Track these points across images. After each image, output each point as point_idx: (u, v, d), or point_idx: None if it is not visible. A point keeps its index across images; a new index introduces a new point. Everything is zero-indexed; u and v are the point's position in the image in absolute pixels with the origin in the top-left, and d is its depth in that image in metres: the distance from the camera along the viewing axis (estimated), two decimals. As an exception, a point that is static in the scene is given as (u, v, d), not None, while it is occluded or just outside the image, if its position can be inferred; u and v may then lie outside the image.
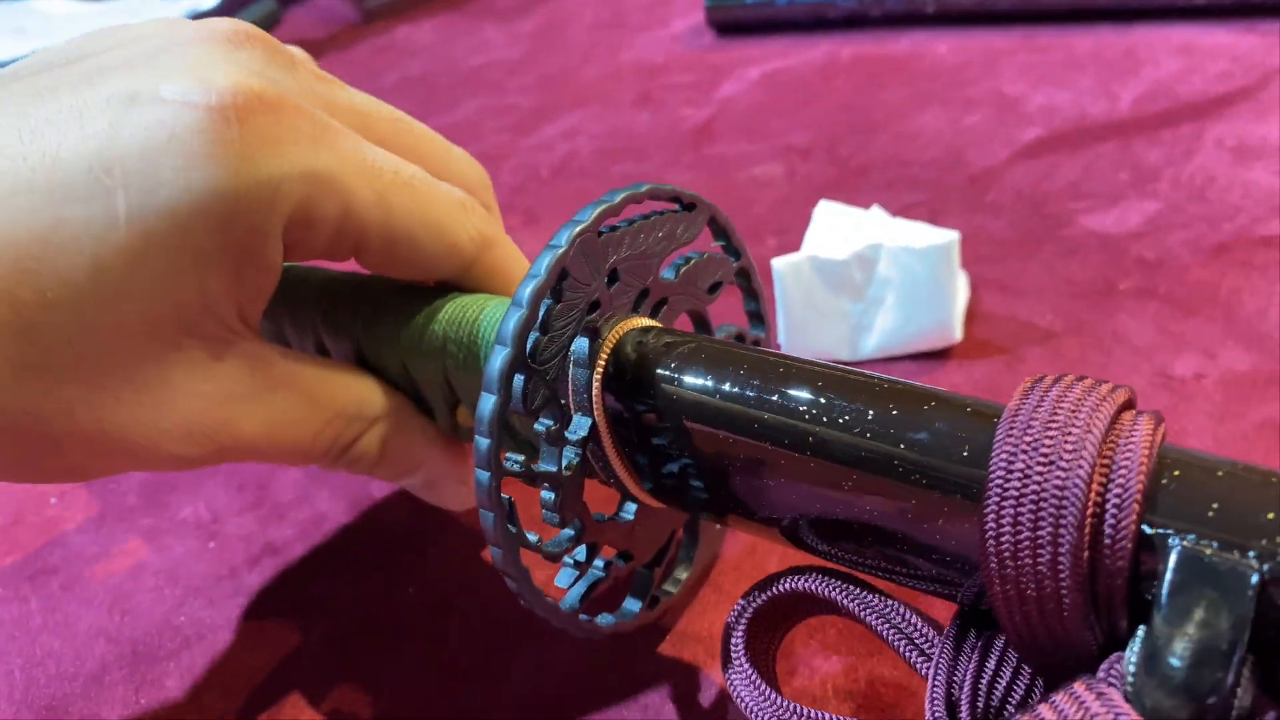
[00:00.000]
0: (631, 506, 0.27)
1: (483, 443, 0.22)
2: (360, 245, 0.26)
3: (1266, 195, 0.44)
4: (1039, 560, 0.16)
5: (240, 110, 0.23)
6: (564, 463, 0.24)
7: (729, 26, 0.67)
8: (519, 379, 0.23)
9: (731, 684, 0.23)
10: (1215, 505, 0.16)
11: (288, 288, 0.30)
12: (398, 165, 0.26)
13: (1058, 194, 0.47)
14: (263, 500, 0.38)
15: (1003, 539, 0.17)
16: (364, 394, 0.28)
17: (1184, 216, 0.43)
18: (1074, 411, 0.17)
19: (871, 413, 0.20)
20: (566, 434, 0.24)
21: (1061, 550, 0.16)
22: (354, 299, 0.29)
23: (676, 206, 0.27)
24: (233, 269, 0.23)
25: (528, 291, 0.22)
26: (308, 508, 0.37)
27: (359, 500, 0.37)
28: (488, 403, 0.22)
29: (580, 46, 0.71)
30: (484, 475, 0.22)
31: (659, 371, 0.24)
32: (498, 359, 0.22)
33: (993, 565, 0.17)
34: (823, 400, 0.21)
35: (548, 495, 0.23)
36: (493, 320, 0.26)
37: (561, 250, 0.23)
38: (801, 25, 0.65)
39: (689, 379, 0.23)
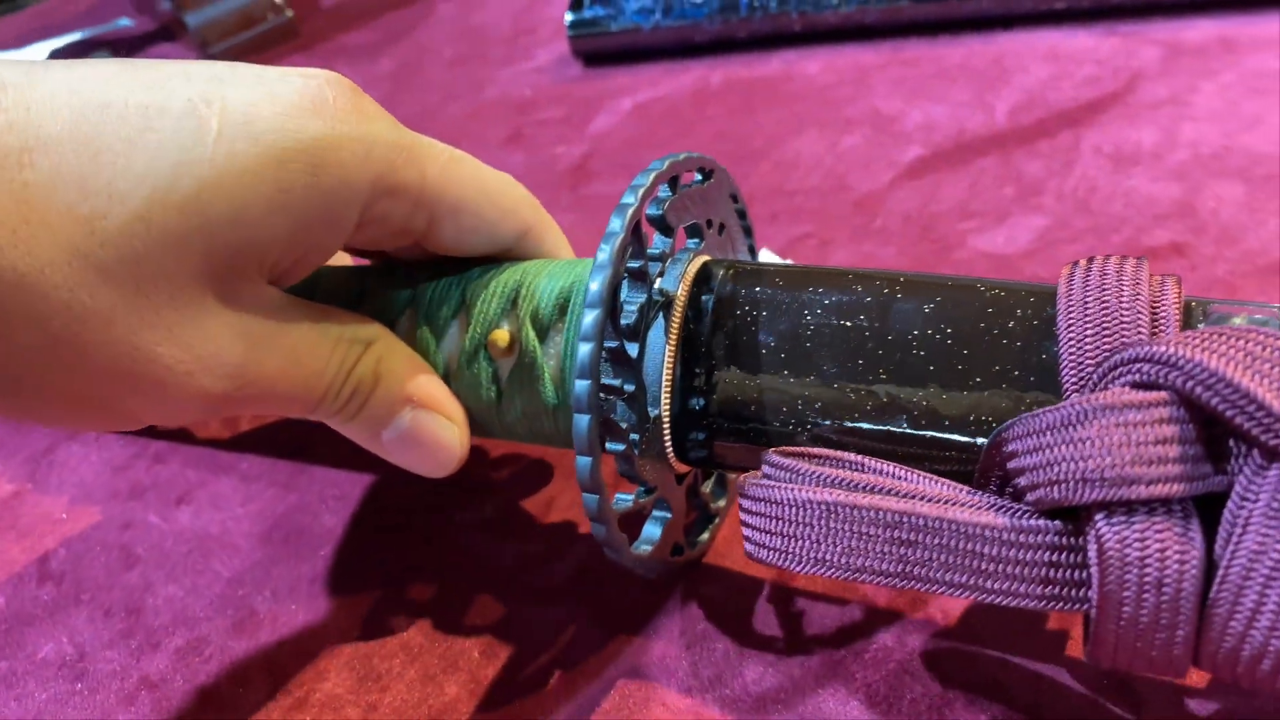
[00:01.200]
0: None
1: (584, 347, 0.25)
2: (432, 216, 0.29)
3: (1147, 203, 0.44)
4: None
5: (333, 85, 0.26)
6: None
7: (595, 56, 0.65)
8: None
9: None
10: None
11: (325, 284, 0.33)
12: (448, 147, 0.29)
13: (945, 215, 0.47)
14: (134, 628, 0.35)
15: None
16: (362, 321, 0.30)
17: (1071, 230, 0.44)
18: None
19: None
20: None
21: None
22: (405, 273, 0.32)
23: (698, 176, 0.31)
24: (314, 217, 0.25)
25: (624, 219, 0.26)
26: (184, 631, 0.35)
27: (242, 620, 0.35)
28: (590, 316, 0.25)
29: (441, 84, 0.68)
30: (583, 385, 0.25)
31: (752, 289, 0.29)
32: (599, 276, 0.25)
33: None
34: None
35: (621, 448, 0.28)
36: (566, 268, 0.30)
37: (634, 208, 0.26)
38: (669, 51, 0.64)
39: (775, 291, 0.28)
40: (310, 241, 0.26)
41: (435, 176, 0.28)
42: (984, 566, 0.23)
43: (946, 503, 0.23)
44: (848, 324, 0.27)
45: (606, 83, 0.63)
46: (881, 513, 0.23)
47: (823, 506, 0.24)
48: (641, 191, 0.27)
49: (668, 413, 0.28)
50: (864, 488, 0.24)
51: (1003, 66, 0.56)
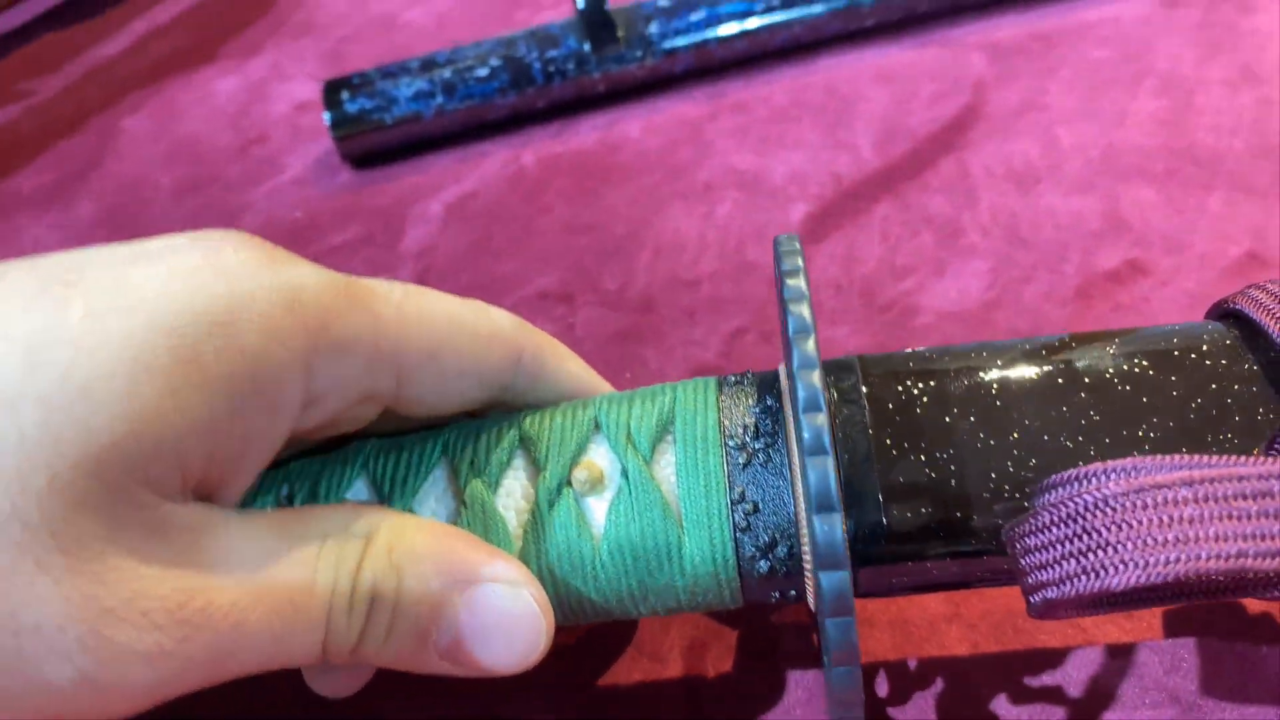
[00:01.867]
0: None
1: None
2: (401, 369, 0.24)
3: (1074, 222, 0.43)
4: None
5: (230, 237, 0.22)
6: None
7: (369, 156, 0.56)
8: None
9: None
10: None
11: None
12: (397, 282, 0.25)
13: (875, 278, 0.43)
14: None
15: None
16: (352, 509, 0.24)
17: (1020, 268, 0.41)
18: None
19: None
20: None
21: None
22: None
23: None
24: (237, 398, 0.20)
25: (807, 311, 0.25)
26: None
27: None
28: (816, 420, 0.23)
29: (176, 222, 0.56)
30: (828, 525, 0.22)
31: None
32: (809, 374, 0.23)
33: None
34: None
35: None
36: (643, 395, 0.28)
37: (808, 297, 0.25)
38: (457, 136, 0.56)
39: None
40: (241, 431, 0.20)
41: (392, 317, 0.23)
42: None
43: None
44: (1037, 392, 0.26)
45: (394, 185, 0.54)
46: (1243, 480, 0.21)
47: (1171, 491, 0.21)
48: (803, 275, 0.26)
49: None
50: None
51: (838, 97, 0.53)
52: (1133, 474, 0.22)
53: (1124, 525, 0.21)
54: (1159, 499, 0.21)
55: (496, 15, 0.65)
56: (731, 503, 0.26)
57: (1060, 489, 0.23)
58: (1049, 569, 0.23)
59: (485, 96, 0.54)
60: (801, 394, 0.23)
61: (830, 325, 0.41)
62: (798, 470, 0.25)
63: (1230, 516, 0.21)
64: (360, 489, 0.27)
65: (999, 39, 0.54)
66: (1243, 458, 0.21)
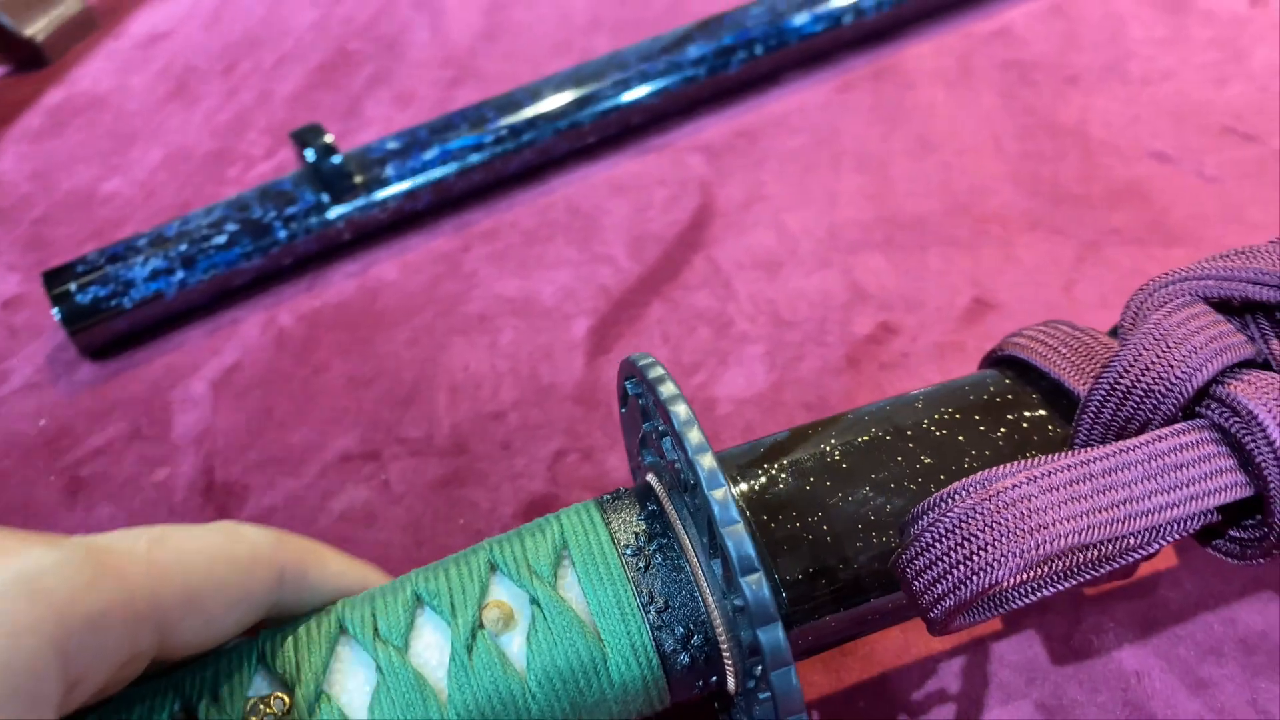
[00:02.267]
0: None
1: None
2: (162, 623, 0.23)
3: (824, 297, 0.48)
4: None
5: None
6: None
7: (110, 345, 0.52)
8: None
9: None
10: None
11: None
12: (138, 529, 0.24)
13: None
14: None
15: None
16: None
17: (791, 348, 0.46)
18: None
19: None
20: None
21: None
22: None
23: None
24: None
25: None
26: None
27: None
28: (736, 527, 0.25)
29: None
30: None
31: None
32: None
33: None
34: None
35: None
36: (522, 533, 0.30)
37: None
38: (203, 307, 0.54)
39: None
40: None
41: (141, 575, 0.23)
42: (1182, 480, 0.26)
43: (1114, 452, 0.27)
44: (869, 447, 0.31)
45: (146, 371, 0.51)
46: (1090, 464, 0.26)
47: (1019, 488, 0.26)
48: (670, 380, 0.28)
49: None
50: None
51: (581, 212, 0.56)
52: (985, 484, 0.26)
53: (993, 525, 0.25)
54: (1013, 497, 0.26)
55: (206, 176, 0.63)
56: (642, 605, 0.28)
57: (930, 514, 0.27)
58: (940, 582, 0.26)
59: (229, 264, 0.52)
60: (703, 475, 0.25)
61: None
62: (696, 561, 0.28)
63: (1072, 499, 0.25)
64: (261, 684, 0.27)
65: (709, 139, 0.59)
66: (1064, 454, 0.26)
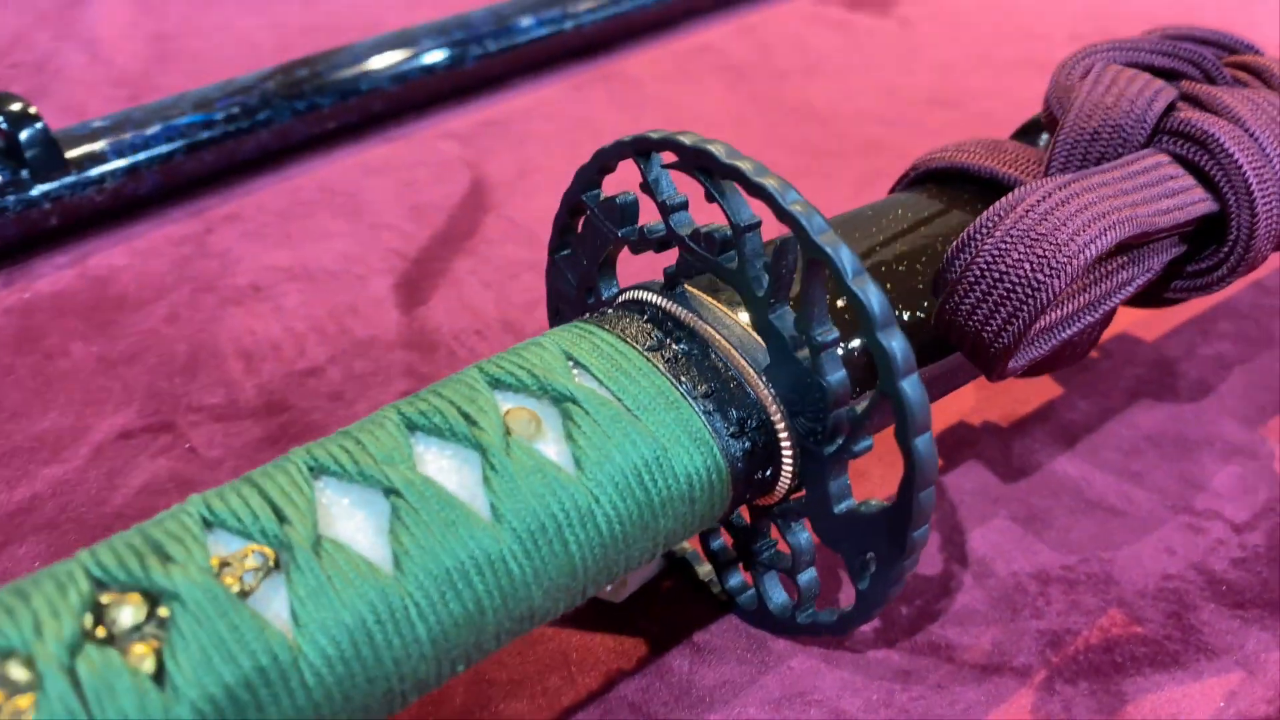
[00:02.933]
0: None
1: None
2: None
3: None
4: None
5: None
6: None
7: None
8: None
9: None
10: None
11: None
12: None
13: (509, 316, 0.42)
14: None
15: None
16: None
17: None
18: None
19: None
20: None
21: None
22: None
23: None
24: None
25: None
26: None
27: None
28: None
29: None
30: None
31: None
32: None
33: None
34: None
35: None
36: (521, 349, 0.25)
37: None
38: None
39: None
40: None
41: None
42: (1166, 191, 0.28)
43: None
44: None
45: None
46: (1088, 178, 0.27)
47: (1046, 202, 0.26)
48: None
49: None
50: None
51: (338, 191, 0.51)
52: (1008, 209, 0.26)
53: (1035, 239, 0.26)
54: (1044, 210, 0.26)
55: None
56: (686, 394, 0.24)
57: (963, 254, 0.26)
58: (997, 313, 0.26)
59: (-101, 247, 0.41)
60: (824, 244, 0.23)
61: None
62: (730, 348, 0.25)
63: (1091, 205, 0.26)
64: (220, 543, 0.20)
65: (456, 128, 0.56)
66: (1059, 176, 0.27)
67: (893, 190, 0.35)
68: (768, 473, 0.25)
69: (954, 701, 0.28)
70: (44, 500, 0.34)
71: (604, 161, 0.28)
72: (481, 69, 0.59)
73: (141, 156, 0.47)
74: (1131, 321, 0.41)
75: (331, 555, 0.20)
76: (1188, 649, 0.29)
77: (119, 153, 0.47)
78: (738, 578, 0.30)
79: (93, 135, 0.47)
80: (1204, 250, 0.30)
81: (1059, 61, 0.32)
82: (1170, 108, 0.29)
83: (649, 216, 0.28)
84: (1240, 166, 0.28)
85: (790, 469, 0.25)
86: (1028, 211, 0.26)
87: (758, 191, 0.23)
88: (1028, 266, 0.25)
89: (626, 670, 0.28)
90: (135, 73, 0.63)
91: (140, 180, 0.47)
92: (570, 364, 0.24)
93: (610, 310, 0.27)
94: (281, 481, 0.21)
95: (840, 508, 0.25)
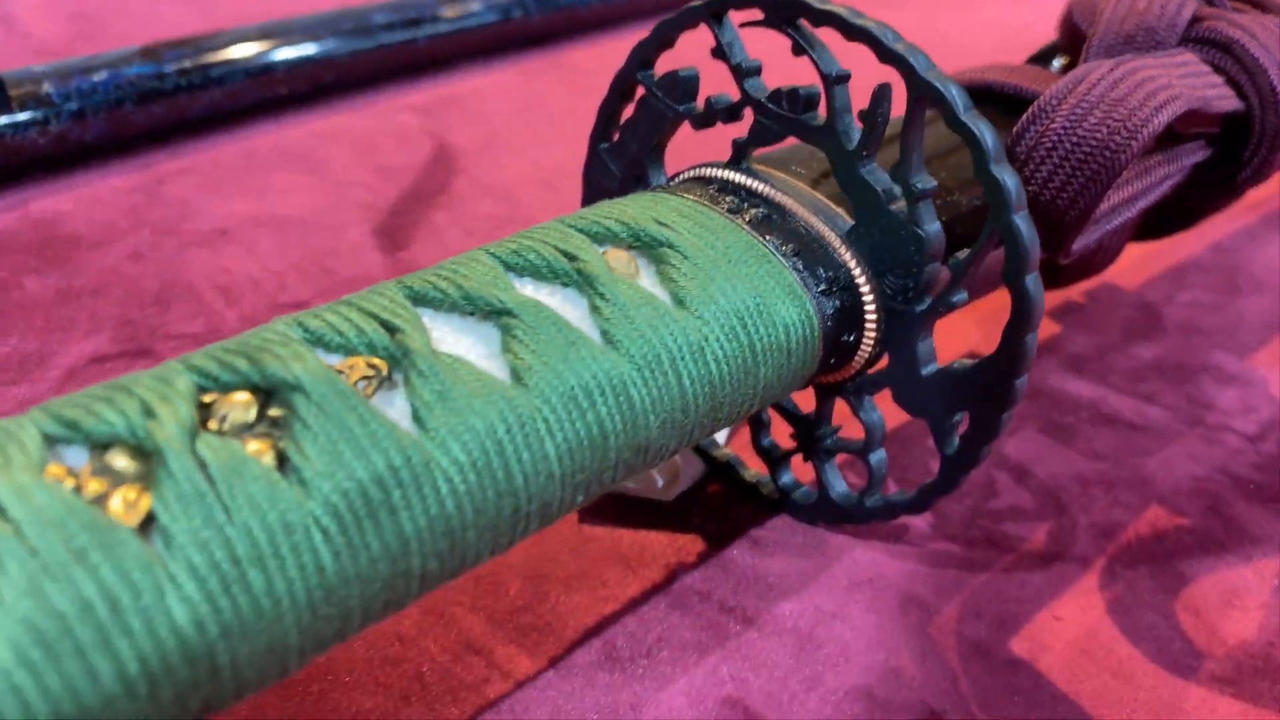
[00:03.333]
0: None
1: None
2: None
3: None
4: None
5: None
6: None
7: None
8: None
9: None
10: None
11: None
12: None
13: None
14: None
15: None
16: None
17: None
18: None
19: None
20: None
21: None
22: None
23: None
24: None
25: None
26: None
27: None
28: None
29: None
30: None
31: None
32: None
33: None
34: None
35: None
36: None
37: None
38: None
39: None
40: None
41: None
42: (1203, 84, 0.29)
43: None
44: None
45: None
46: (1138, 59, 0.28)
47: (1115, 73, 0.27)
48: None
49: None
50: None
51: (298, 155, 0.48)
52: (1075, 84, 0.27)
53: (1110, 105, 0.26)
54: (1115, 78, 0.26)
55: None
56: (775, 249, 0.24)
57: (1034, 127, 0.27)
58: (1075, 178, 0.26)
59: None
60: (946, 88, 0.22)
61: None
62: (809, 214, 0.24)
63: (1150, 79, 0.27)
64: (330, 355, 0.18)
65: (414, 102, 0.55)
66: (1108, 60, 0.28)
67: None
68: (851, 337, 0.25)
69: (1023, 584, 0.27)
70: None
71: (666, 33, 0.27)
72: (434, 47, 0.58)
73: (89, 102, 0.44)
74: (1113, 273, 0.42)
75: (452, 367, 0.18)
76: (1231, 537, 0.29)
77: (64, 96, 0.44)
78: (788, 475, 0.29)
79: (37, 78, 0.43)
80: (1226, 157, 0.31)
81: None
82: (1195, 18, 0.30)
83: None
84: (1265, 68, 0.29)
85: (874, 334, 0.24)
86: (1098, 82, 0.26)
87: (858, 34, 0.23)
88: (1105, 131, 0.25)
89: (687, 563, 0.27)
90: (58, 46, 0.60)
91: (85, 127, 0.44)
92: (654, 221, 0.23)
93: (674, 185, 0.26)
94: (383, 302, 0.19)
95: (928, 369, 0.24)
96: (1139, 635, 0.26)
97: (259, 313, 0.36)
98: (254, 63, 0.50)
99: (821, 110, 0.25)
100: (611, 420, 0.20)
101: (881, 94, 0.23)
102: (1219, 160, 0.31)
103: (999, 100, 0.32)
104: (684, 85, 0.27)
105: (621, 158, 0.29)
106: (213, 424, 0.16)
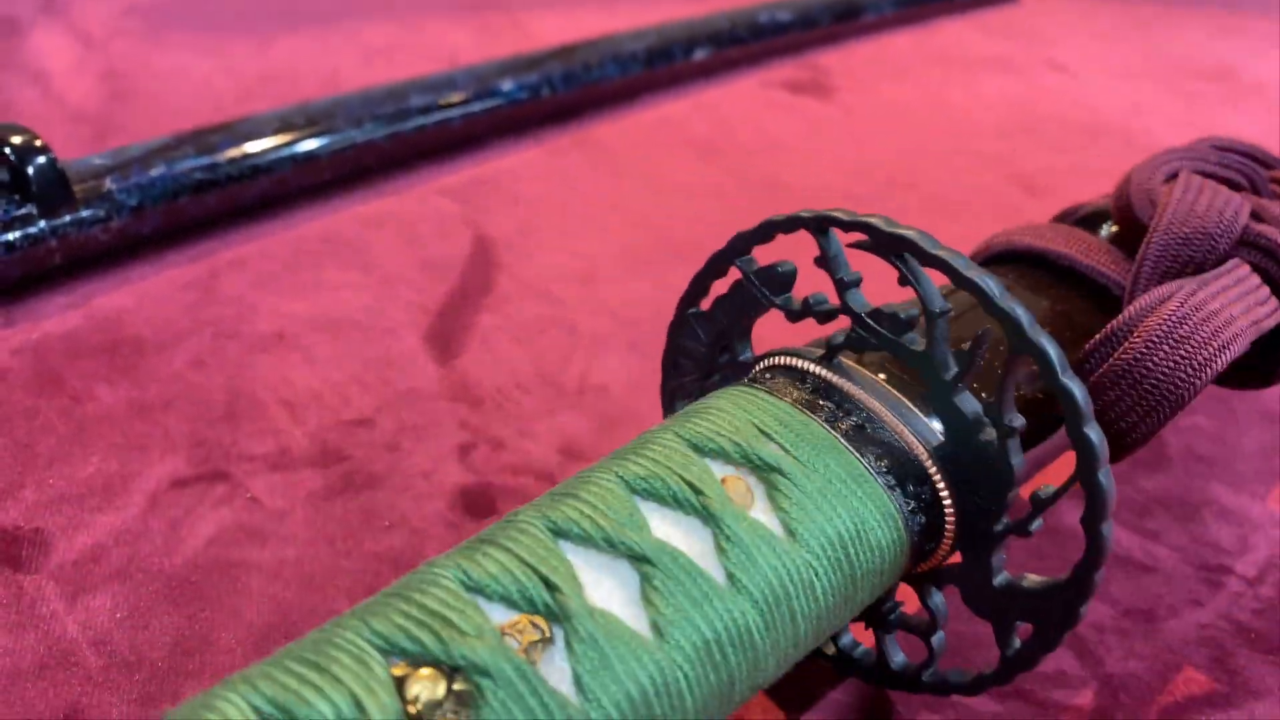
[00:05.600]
0: None
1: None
2: None
3: (650, 299, 0.48)
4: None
5: None
6: None
7: None
8: None
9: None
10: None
11: None
12: None
13: (549, 370, 0.42)
14: None
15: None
16: None
17: (656, 338, 0.45)
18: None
19: None
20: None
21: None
22: None
23: None
24: None
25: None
26: None
27: None
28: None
29: None
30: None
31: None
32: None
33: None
34: None
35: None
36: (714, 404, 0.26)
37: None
38: None
39: None
40: None
41: None
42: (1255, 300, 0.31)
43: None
44: None
45: None
46: (1206, 286, 0.30)
47: (1184, 307, 0.29)
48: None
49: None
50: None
51: (343, 241, 0.50)
52: (1145, 313, 0.29)
53: (1186, 338, 0.28)
54: (1181, 314, 0.29)
55: None
56: (870, 467, 0.25)
57: (1105, 346, 0.28)
58: (1140, 405, 0.28)
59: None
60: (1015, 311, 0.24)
61: (550, 415, 0.40)
62: (894, 420, 0.26)
63: (1217, 312, 0.29)
64: (496, 611, 0.20)
65: (447, 185, 0.57)
66: (1170, 284, 0.30)
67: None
68: (931, 546, 0.27)
69: (1051, 740, 0.30)
70: (108, 549, 0.32)
71: (769, 231, 0.28)
72: (466, 128, 0.60)
73: (147, 197, 0.46)
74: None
75: (605, 625, 0.20)
76: (1235, 690, 0.32)
77: (125, 191, 0.45)
78: (847, 637, 0.31)
79: (99, 173, 0.45)
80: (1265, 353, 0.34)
81: (1135, 165, 0.36)
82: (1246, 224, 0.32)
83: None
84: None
85: (950, 544, 0.27)
86: (1169, 316, 0.28)
87: (967, 285, 0.25)
88: (1171, 365, 0.28)
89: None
90: (93, 111, 0.61)
91: (143, 221, 0.46)
92: (760, 431, 0.25)
93: (767, 375, 0.28)
94: (532, 545, 0.21)
95: (999, 580, 0.27)
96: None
97: (326, 432, 0.38)
98: (300, 151, 0.52)
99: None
100: (739, 669, 0.22)
101: (983, 339, 0.25)
102: (1258, 355, 0.34)
103: (1052, 268, 0.34)
104: (781, 280, 0.28)
105: (709, 327, 0.31)
106: (410, 708, 0.18)
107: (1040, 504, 0.26)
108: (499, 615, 0.20)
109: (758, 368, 0.29)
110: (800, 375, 0.28)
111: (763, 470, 0.24)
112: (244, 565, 0.32)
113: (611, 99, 0.70)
